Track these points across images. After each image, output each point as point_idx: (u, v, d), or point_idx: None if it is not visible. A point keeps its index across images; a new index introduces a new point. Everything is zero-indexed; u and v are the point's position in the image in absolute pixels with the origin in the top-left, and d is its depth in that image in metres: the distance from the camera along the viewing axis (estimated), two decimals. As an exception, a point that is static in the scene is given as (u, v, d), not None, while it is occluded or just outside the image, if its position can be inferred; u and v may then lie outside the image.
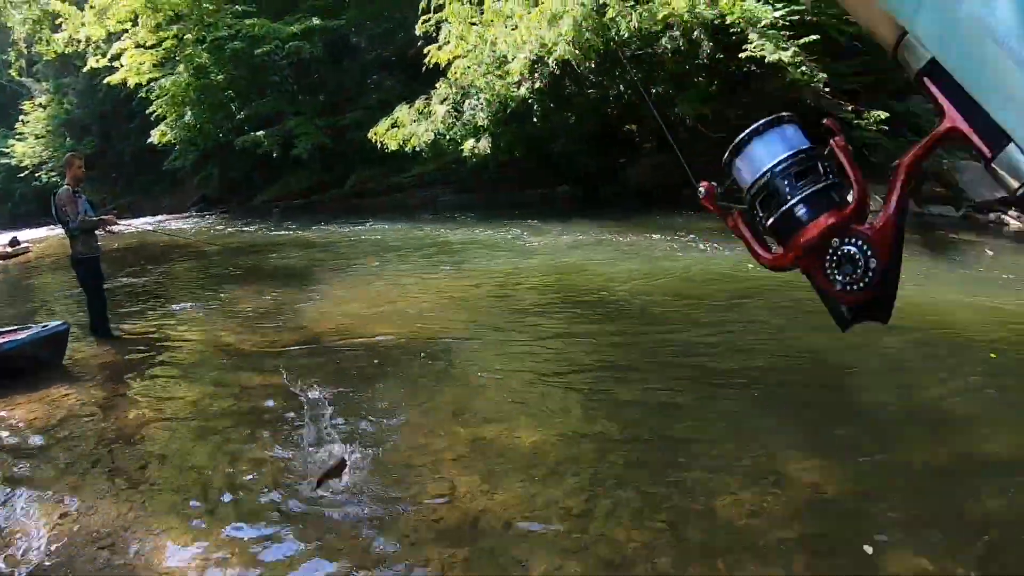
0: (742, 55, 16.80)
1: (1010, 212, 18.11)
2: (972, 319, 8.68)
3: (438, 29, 20.42)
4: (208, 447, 5.78)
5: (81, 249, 8.85)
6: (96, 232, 9.04)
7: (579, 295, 10.44)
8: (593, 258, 13.34)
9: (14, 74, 50.41)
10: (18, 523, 4.76)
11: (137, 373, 7.97)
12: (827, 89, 16.46)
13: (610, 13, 17.24)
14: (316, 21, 26.49)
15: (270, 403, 6.58)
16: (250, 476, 5.19)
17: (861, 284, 1.49)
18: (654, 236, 15.37)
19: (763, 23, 16.29)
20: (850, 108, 17.18)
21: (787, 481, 4.84)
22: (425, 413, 6.18)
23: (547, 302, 10.10)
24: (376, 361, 7.68)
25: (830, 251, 1.50)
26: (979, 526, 4.41)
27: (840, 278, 1.50)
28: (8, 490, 5.22)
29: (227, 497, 4.90)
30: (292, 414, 6.20)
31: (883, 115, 16.73)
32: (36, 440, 6.09)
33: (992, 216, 18.02)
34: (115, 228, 9.43)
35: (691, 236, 14.98)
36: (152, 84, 29.77)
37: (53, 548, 4.42)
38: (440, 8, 20.10)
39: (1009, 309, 9.26)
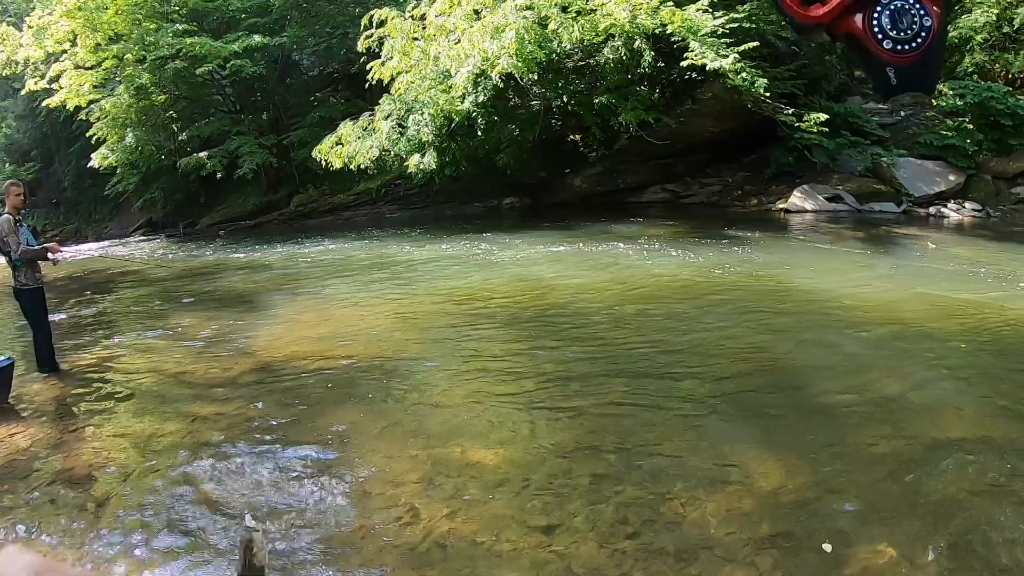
0: (683, 63, 16.98)
1: (949, 205, 18.63)
2: (921, 311, 8.88)
3: (380, 45, 20.33)
4: (163, 486, 5.62)
5: (24, 280, 8.57)
6: (39, 262, 8.84)
7: (533, 308, 10.45)
8: (544, 269, 13.37)
9: (-49, 97, 49.70)
10: None
11: (87, 408, 7.75)
12: (767, 94, 16.66)
13: (552, 25, 17.31)
14: (257, 39, 26.20)
15: (223, 436, 6.42)
16: (206, 516, 5.06)
17: (914, 44, 1.37)
18: (603, 244, 15.46)
19: (703, 31, 16.46)
20: (790, 111, 17.42)
21: (751, 482, 4.93)
22: (383, 437, 6.12)
23: (501, 316, 10.08)
24: (330, 385, 7.58)
25: (881, 4, 1.37)
26: (943, 511, 4.54)
27: (893, 33, 1.37)
28: None
29: (183, 540, 4.77)
30: (246, 446, 6.09)
31: (823, 117, 17.05)
32: None
33: (932, 210, 18.55)
34: (58, 256, 9.19)
35: (641, 243, 15.09)
36: (92, 106, 29.29)
37: None
38: (382, 24, 20.03)
39: (958, 299, 9.48)
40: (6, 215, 8.40)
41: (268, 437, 6.15)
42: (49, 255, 8.91)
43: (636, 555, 4.22)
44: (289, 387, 7.58)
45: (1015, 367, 7.32)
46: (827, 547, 4.19)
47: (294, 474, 5.48)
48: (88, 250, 23.71)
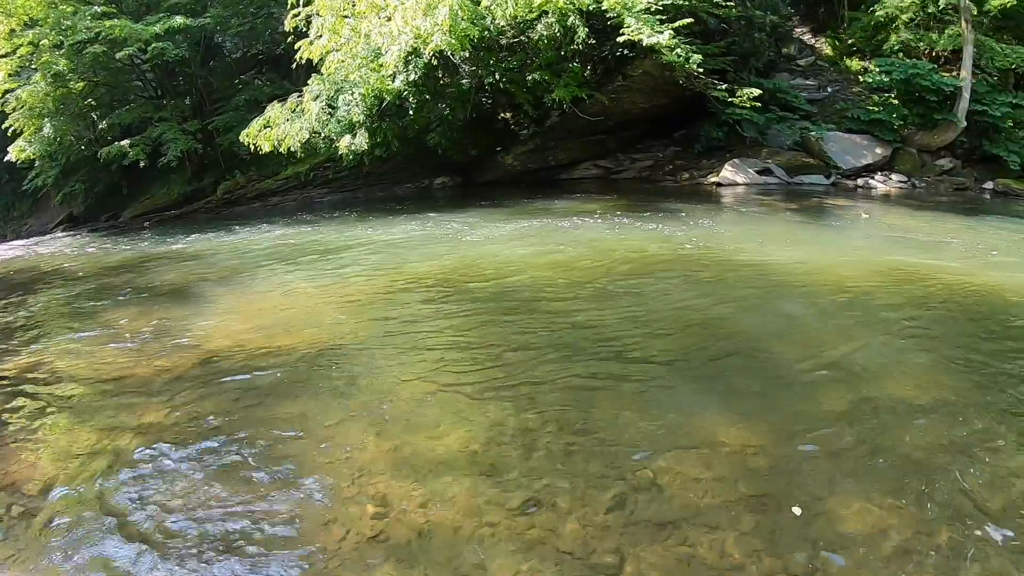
0: (620, 39, 16.93)
1: (876, 177, 19.13)
2: (863, 277, 9.01)
3: (308, 24, 19.95)
4: (110, 496, 5.31)
5: None
6: None
7: (477, 286, 10.25)
8: (482, 247, 13.19)
9: None
10: None
11: (20, 419, 7.23)
12: (700, 70, 16.73)
13: (485, 2, 17.13)
14: (179, 20, 25.52)
15: (171, 439, 6.10)
16: (163, 517, 4.83)
17: None
18: (539, 220, 15.38)
19: (638, 8, 16.45)
20: (723, 87, 17.53)
21: (718, 446, 4.95)
22: (341, 428, 5.87)
23: (446, 296, 9.83)
24: (280, 377, 7.27)
25: None
26: (906, 466, 4.68)
27: None
28: None
29: (138, 548, 4.54)
30: (196, 448, 5.81)
31: (755, 92, 17.19)
32: None
33: (860, 181, 19.01)
34: None
35: (577, 218, 15.04)
36: (7, 96, 28.32)
37: None
38: (310, 2, 19.66)
39: (897, 264, 9.64)
40: None
41: (220, 437, 5.86)
42: None
43: (621, 529, 4.18)
44: (236, 382, 7.26)
45: (960, 328, 7.57)
46: (796, 510, 4.24)
47: (251, 475, 5.23)
48: (8, 248, 22.94)
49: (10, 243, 28.29)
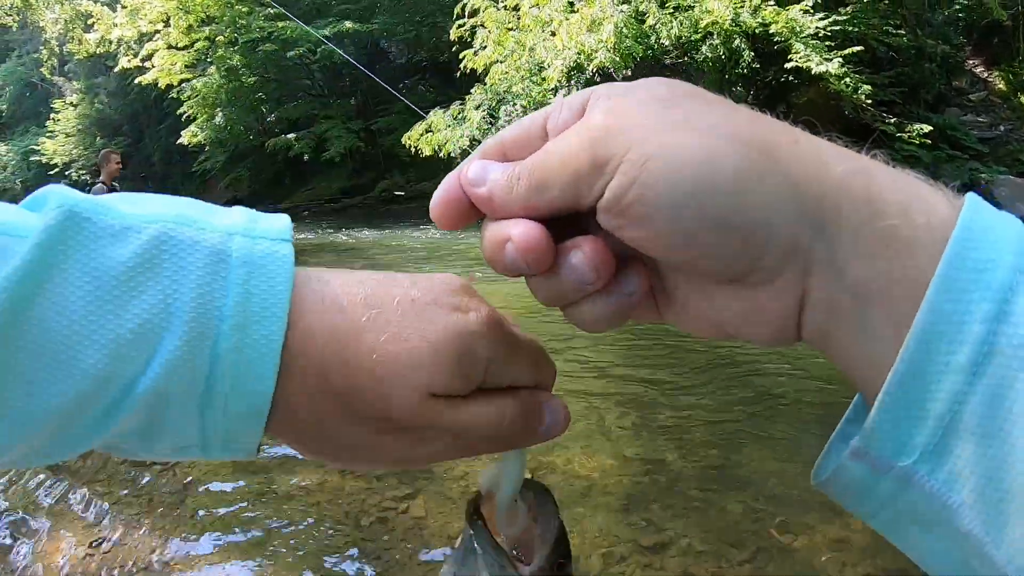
0: (788, 65, 16.61)
1: (1047, 229, 17.98)
2: None
3: (473, 34, 20.36)
4: (245, 471, 5.41)
5: None
6: None
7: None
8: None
9: (46, 73, 51.14)
10: (43, 555, 4.46)
11: None
12: (868, 101, 16.30)
13: (650, 20, 17.14)
14: (348, 25, 26.41)
15: None
16: (296, 505, 4.91)
17: None
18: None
19: (806, 33, 16.15)
20: (892, 121, 17.02)
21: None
22: None
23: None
24: None
25: None
26: None
27: None
28: (28, 515, 4.94)
29: (267, 528, 4.61)
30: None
31: (926, 128, 16.55)
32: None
33: (1029, 233, 17.85)
34: None
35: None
36: (183, 85, 29.83)
37: None
38: (475, 13, 20.06)
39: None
40: (100, 185, 8.33)
41: None
42: None
43: None
44: None
45: None
46: None
47: (387, 471, 5.13)
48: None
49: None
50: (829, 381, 7.10)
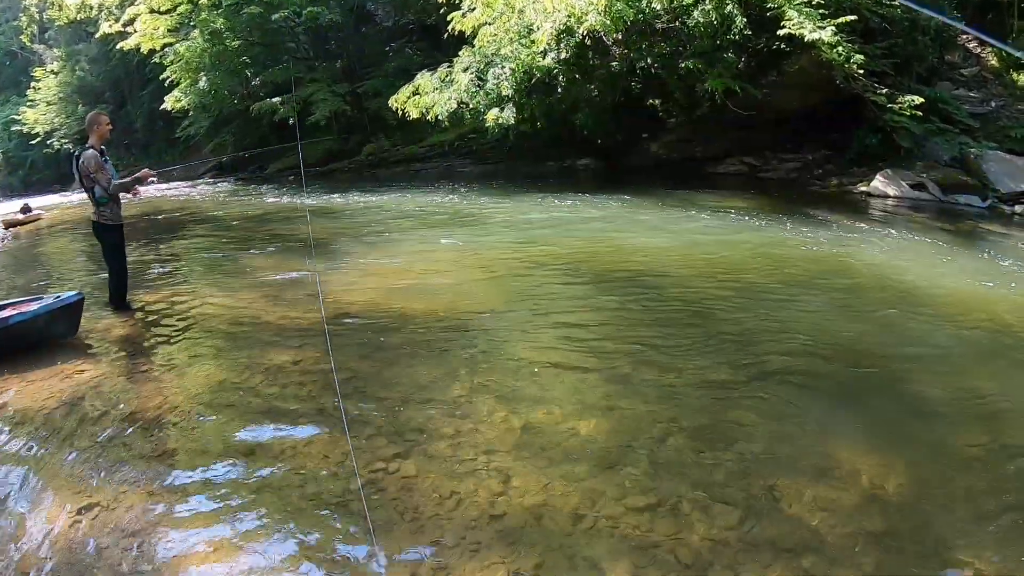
0: (781, 32, 16.38)
1: (1038, 204, 17.88)
2: (1012, 313, 8.36)
3: (461, -4, 20.18)
4: (238, 432, 5.38)
5: (109, 216, 8.36)
6: (120, 198, 8.57)
7: (612, 272, 10.04)
8: (622, 233, 12.97)
9: (25, 40, 50.58)
10: (36, 515, 4.43)
11: (157, 347, 7.58)
12: (860, 71, 16.11)
13: (642, -17, 16.93)
14: (333, -14, 26.18)
15: (298, 386, 6.18)
16: (285, 465, 4.85)
17: None
18: (681, 212, 15.04)
19: (800, 0, 15.95)
20: (883, 91, 16.85)
21: (847, 473, 4.66)
22: (468, 398, 5.80)
23: (582, 280, 9.67)
24: (409, 338, 7.27)
25: None
26: None
27: None
28: (23, 477, 4.88)
29: (263, 487, 4.59)
30: (323, 399, 5.82)
31: (917, 100, 16.36)
32: (51, 420, 5.73)
33: (1018, 208, 17.74)
34: (150, 183, 8.87)
35: (721, 214, 14.62)
36: (166, 49, 29.49)
37: (75, 544, 4.11)
38: (464, -26, 19.86)
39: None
40: (91, 150, 8.11)
41: (346, 390, 5.81)
42: (138, 185, 8.69)
43: (741, 543, 3.97)
44: (368, 339, 7.29)
45: None
46: (934, 547, 3.98)
47: (376, 433, 5.23)
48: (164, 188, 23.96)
49: (168, 185, 29.55)
50: (818, 345, 7.07)
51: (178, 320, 8.47)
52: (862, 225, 13.80)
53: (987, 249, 12.04)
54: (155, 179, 9.08)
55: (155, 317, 8.69)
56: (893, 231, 13.16)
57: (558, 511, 4.23)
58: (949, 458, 4.95)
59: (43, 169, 47.22)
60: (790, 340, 7.17)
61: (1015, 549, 3.96)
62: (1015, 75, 22.52)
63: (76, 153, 8.30)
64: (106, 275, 8.87)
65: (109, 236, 8.52)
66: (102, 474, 4.83)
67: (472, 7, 19.64)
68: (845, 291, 9.04)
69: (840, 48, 15.62)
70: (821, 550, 3.93)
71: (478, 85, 20.30)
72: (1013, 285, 9.44)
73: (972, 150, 18.95)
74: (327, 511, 4.32)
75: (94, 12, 33.56)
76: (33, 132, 43.82)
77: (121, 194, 8.55)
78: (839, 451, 4.95)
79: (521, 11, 18.19)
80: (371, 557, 3.89)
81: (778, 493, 4.43)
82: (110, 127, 8.26)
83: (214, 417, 5.67)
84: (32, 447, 5.31)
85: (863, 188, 18.86)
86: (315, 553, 3.98)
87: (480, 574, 3.73)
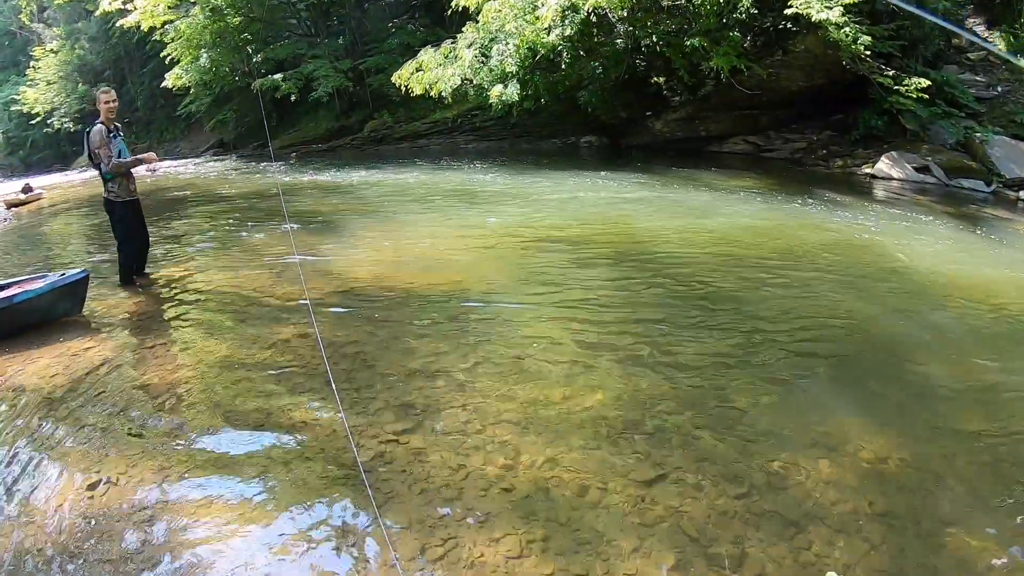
0: (787, 11, 16.28)
1: (1042, 190, 17.74)
2: (1014, 297, 8.30)
3: (466, -28, 20.01)
4: (247, 409, 5.37)
5: (116, 192, 8.39)
6: (134, 174, 8.59)
7: (618, 249, 10.03)
8: (628, 211, 12.92)
9: (25, 19, 50.27)
10: (45, 492, 4.41)
11: (161, 324, 7.58)
12: (867, 52, 16.00)
13: (648, -41, 16.82)
14: (336, -39, 26.07)
15: (307, 361, 6.15)
16: (292, 440, 4.85)
17: None
18: (687, 191, 15.01)
19: (808, -21, 15.82)
20: (889, 73, 16.74)
21: (850, 451, 4.68)
22: (475, 373, 5.79)
23: (587, 257, 9.63)
24: (417, 314, 7.27)
25: None
26: None
27: None
28: (31, 453, 4.88)
29: (269, 463, 4.58)
30: (331, 373, 5.70)
31: (924, 82, 16.25)
32: (57, 398, 5.70)
33: (1023, 194, 17.63)
34: (154, 166, 8.84)
35: (721, 193, 14.59)
36: (167, 27, 29.31)
37: (84, 520, 4.09)
38: (469, -51, 19.71)
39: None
40: (99, 125, 8.11)
41: (355, 364, 5.85)
42: (144, 167, 8.65)
43: (745, 517, 4.00)
44: (373, 315, 7.27)
45: None
46: (936, 524, 3.99)
47: (380, 408, 5.21)
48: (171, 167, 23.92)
49: (171, 161, 29.49)
50: (822, 325, 7.11)
51: (182, 297, 8.45)
52: (867, 207, 13.76)
53: (991, 234, 11.99)
54: (156, 168, 9.03)
55: (160, 294, 8.67)
56: (897, 214, 13.11)
57: (565, 484, 4.25)
58: (950, 438, 4.97)
59: (43, 149, 47.06)
60: (794, 319, 7.19)
61: (1013, 529, 3.99)
62: (1023, 60, 22.35)
63: (88, 129, 8.31)
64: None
65: (115, 211, 8.56)
66: (110, 449, 4.83)
67: (477, -17, 19.53)
68: (849, 272, 9.01)
69: (847, 29, 15.51)
70: (825, 524, 3.96)
71: (482, 62, 20.24)
72: (1016, 270, 9.40)
73: (978, 134, 18.85)
74: (335, 484, 4.33)
75: (94, -11, 33.36)
76: (33, 112, 43.46)
77: (135, 170, 8.57)
78: (842, 429, 4.97)
79: (527, -13, 18.10)
80: (377, 527, 3.89)
81: (782, 469, 4.46)
82: (109, 103, 8.19)
83: (220, 393, 5.66)
84: (40, 424, 5.30)
85: (867, 170, 18.77)
86: (323, 526, 3.99)
87: (488, 546, 3.74)
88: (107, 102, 8.17)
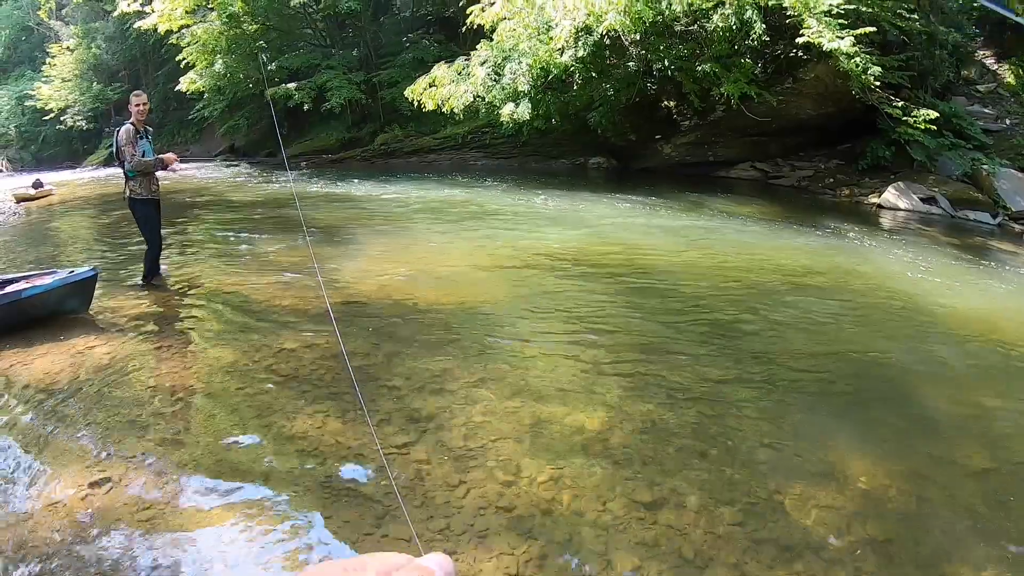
0: (799, 40, 16.37)
1: (1049, 225, 17.75)
2: (1018, 332, 8.36)
3: (482, -10, 20.20)
4: (249, 412, 5.42)
5: (138, 190, 8.62)
6: (157, 174, 8.79)
7: (622, 271, 10.07)
8: (633, 233, 13.00)
9: (43, 16, 50.51)
10: (47, 490, 4.43)
11: (168, 327, 7.61)
12: (877, 82, 16.11)
13: (663, -17, 16.95)
14: (352, -25, 26.24)
15: (310, 371, 6.19)
16: (295, 447, 4.88)
17: None
18: (694, 217, 15.06)
19: (819, 9, 15.94)
20: (899, 104, 16.85)
21: (850, 480, 4.70)
22: (479, 389, 5.81)
23: (593, 278, 9.70)
24: (422, 328, 7.31)
25: None
26: None
27: None
28: (34, 451, 4.90)
29: (271, 469, 4.61)
30: (337, 380, 5.86)
31: (932, 114, 16.36)
32: (63, 394, 5.75)
33: (1029, 227, 17.60)
34: (176, 167, 9.01)
35: (732, 220, 14.65)
36: (183, 31, 29.51)
37: (86, 519, 4.12)
38: (485, -32, 19.90)
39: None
40: (128, 125, 8.39)
41: (359, 377, 5.78)
42: (167, 168, 8.82)
43: (743, 543, 4.02)
44: (379, 327, 7.31)
45: None
46: (932, 556, 3.99)
47: (388, 418, 5.25)
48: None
49: (185, 165, 29.67)
50: (825, 354, 7.13)
51: (190, 300, 8.53)
52: (873, 237, 13.81)
53: (996, 267, 12.04)
54: (178, 167, 9.21)
55: (167, 295, 8.76)
56: (903, 244, 13.17)
57: (564, 503, 4.27)
58: (950, 469, 4.99)
59: (55, 145, 47.20)
60: (797, 348, 7.21)
61: (1011, 561, 4.01)
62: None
63: (117, 128, 8.61)
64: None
65: (136, 209, 8.80)
66: (114, 449, 4.86)
67: (492, 1, 19.67)
68: (853, 302, 9.06)
69: (858, 59, 15.61)
70: (823, 552, 3.98)
71: (494, 80, 20.37)
72: (1020, 303, 9.46)
73: (985, 166, 18.86)
74: (340, 492, 4.36)
75: (112, -9, 33.54)
76: (47, 108, 43.65)
77: (159, 174, 8.83)
78: (842, 458, 4.99)
79: (541, 7, 18.24)
80: (385, 537, 3.93)
81: (781, 495, 4.48)
82: (139, 106, 8.40)
83: (225, 396, 5.72)
84: (43, 421, 5.34)
85: (874, 200, 18.80)
86: (325, 531, 4.04)
87: (488, 561, 3.77)
88: (138, 104, 8.38)
